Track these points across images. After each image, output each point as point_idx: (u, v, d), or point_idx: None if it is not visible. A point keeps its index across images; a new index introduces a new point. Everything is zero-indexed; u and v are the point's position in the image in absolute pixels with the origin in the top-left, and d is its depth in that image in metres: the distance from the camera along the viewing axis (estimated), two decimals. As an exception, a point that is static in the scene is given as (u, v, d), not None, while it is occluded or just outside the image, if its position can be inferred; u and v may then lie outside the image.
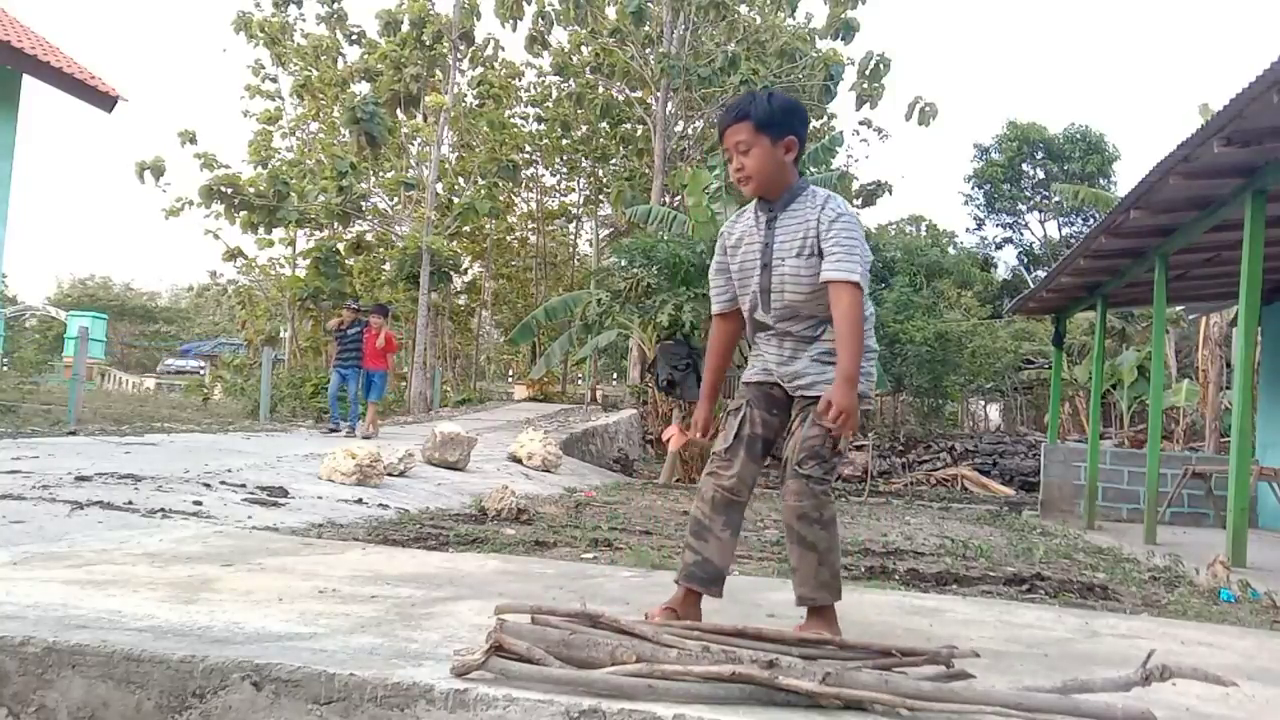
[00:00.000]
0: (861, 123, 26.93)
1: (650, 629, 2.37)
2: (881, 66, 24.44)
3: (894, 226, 33.32)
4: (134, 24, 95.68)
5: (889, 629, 3.37)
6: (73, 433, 10.66)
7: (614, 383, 29.59)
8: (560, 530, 6.32)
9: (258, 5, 25.39)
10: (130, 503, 5.44)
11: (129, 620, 2.64)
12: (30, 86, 13.19)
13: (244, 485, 6.67)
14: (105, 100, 13.97)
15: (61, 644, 2.32)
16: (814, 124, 27.73)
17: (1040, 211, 36.48)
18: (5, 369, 24.33)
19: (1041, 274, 26.27)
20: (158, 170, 21.87)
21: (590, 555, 5.19)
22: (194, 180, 25.99)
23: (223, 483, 6.65)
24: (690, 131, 27.11)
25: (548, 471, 11.02)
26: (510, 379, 35.16)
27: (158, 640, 2.39)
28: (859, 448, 20.57)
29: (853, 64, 25.09)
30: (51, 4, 70.70)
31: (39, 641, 2.33)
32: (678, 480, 12.82)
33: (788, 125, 2.98)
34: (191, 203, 22.78)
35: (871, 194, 29.33)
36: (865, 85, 24.68)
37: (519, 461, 11.13)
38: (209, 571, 3.68)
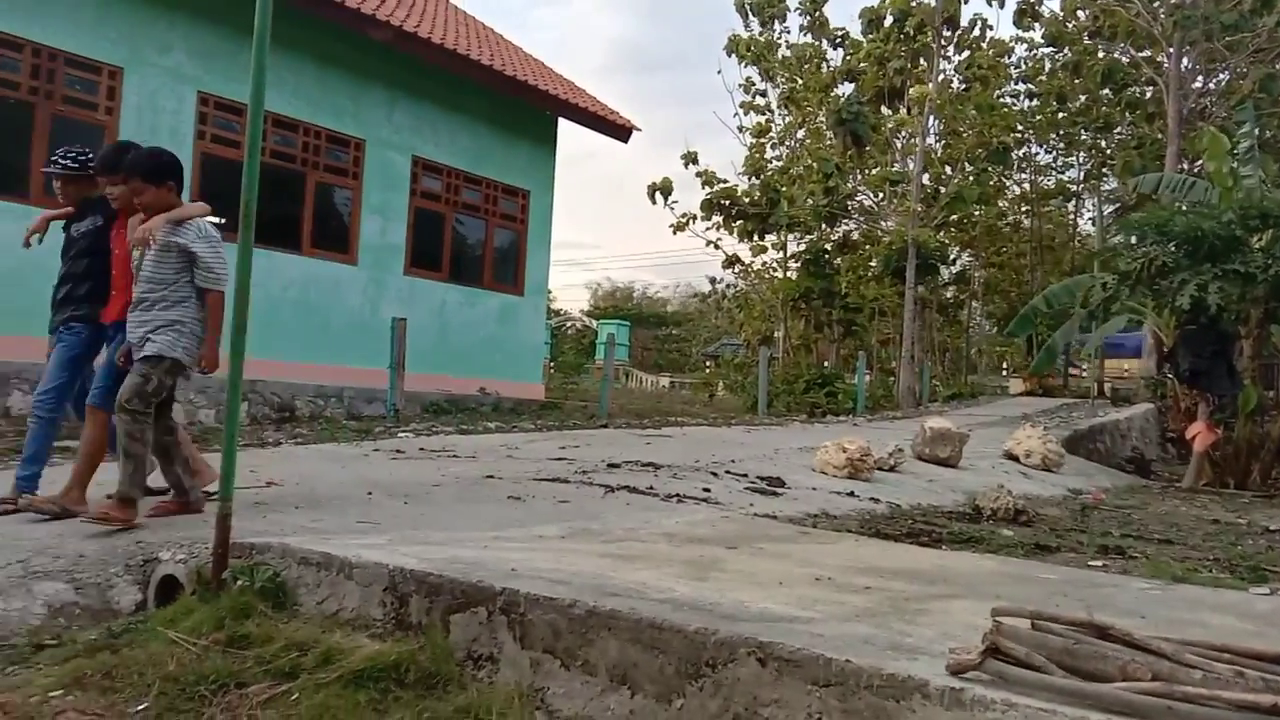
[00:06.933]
0: None
1: (1171, 647, 2.14)
2: None
3: None
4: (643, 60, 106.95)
5: None
6: (604, 425, 12.16)
7: (1124, 374, 26.79)
8: (1063, 534, 5.92)
9: (746, 26, 26.94)
10: (651, 488, 6.12)
11: (651, 592, 2.97)
12: (562, 125, 15.36)
13: (745, 475, 7.15)
14: (622, 132, 15.79)
15: (600, 608, 2.68)
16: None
17: None
18: (552, 370, 28.49)
19: None
20: (666, 190, 24.25)
21: (1099, 563, 4.80)
22: (696, 196, 28.39)
23: (727, 472, 7.20)
24: (1212, 87, 23.68)
25: (1048, 471, 10.32)
26: (1004, 372, 33.44)
27: (676, 612, 2.67)
28: None
29: None
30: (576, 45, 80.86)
31: (582, 605, 2.72)
32: (1206, 484, 11.16)
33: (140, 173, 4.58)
34: (694, 216, 24.92)
35: None
36: None
37: (1015, 459, 10.55)
38: (716, 553, 4.02)
